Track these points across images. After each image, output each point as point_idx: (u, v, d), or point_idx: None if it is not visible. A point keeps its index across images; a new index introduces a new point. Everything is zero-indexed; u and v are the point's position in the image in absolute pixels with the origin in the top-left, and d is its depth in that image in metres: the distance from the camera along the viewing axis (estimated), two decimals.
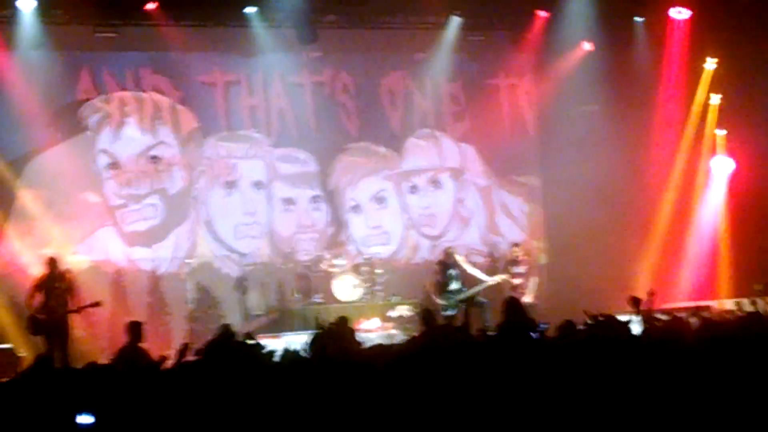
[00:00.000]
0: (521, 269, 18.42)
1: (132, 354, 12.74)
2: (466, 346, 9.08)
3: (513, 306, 12.06)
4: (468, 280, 18.29)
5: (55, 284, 16.13)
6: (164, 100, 20.07)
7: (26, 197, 18.86)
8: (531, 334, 10.48)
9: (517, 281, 18.33)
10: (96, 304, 16.25)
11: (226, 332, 12.31)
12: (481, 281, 18.27)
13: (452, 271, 18.22)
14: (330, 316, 15.04)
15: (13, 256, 18.43)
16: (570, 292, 18.78)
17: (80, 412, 7.40)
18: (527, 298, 17.71)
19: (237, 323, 17.63)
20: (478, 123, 21.36)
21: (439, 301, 17.90)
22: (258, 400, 7.25)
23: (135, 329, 13.37)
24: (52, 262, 16.34)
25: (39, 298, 16.08)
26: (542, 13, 20.72)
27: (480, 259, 20.60)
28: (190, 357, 10.55)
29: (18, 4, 18.33)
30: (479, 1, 20.51)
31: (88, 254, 19.14)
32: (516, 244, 19.21)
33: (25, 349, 16.28)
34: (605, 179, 20.25)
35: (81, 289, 16.40)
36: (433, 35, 20.83)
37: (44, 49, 18.81)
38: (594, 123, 20.56)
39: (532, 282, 18.35)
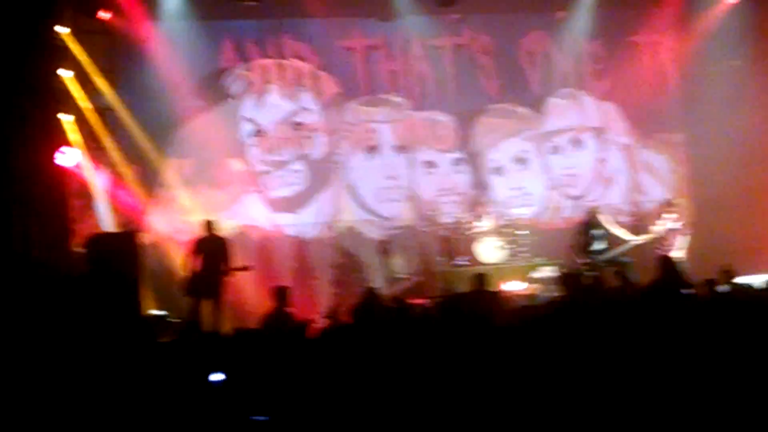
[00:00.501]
0: (670, 226, 18.12)
1: (279, 318, 12.98)
2: (616, 304, 9.01)
3: (667, 264, 11.86)
4: (612, 240, 18.11)
5: (211, 247, 16.52)
6: (305, 67, 20.26)
7: (172, 166, 19.27)
8: (684, 292, 10.35)
9: (665, 238, 18.06)
10: (246, 268, 16.62)
11: (371, 295, 12.42)
12: (625, 241, 18.07)
13: (595, 231, 18.03)
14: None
15: (161, 225, 18.84)
16: (715, 251, 18.39)
17: (213, 371, 7.60)
18: (674, 255, 17.45)
19: (381, 287, 17.77)
20: (620, 81, 21.04)
21: (582, 262, 17.74)
22: (403, 359, 7.30)
23: (281, 294, 13.64)
24: (208, 225, 16.74)
25: (196, 261, 16.49)
26: None
27: (624, 218, 20.40)
28: (337, 321, 10.71)
29: None
30: None
31: (233, 221, 19.48)
32: (666, 201, 18.90)
33: (176, 315, 16.64)
34: (752, 136, 19.76)
35: (233, 253, 16.75)
36: None
37: (188, 19, 19.16)
38: (739, 79, 20.04)
39: (680, 240, 18.06)
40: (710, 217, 19.41)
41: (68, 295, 14.35)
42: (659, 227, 18.00)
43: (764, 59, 19.97)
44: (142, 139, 18.86)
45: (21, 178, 15.08)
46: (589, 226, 18.16)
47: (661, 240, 17.95)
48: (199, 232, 16.84)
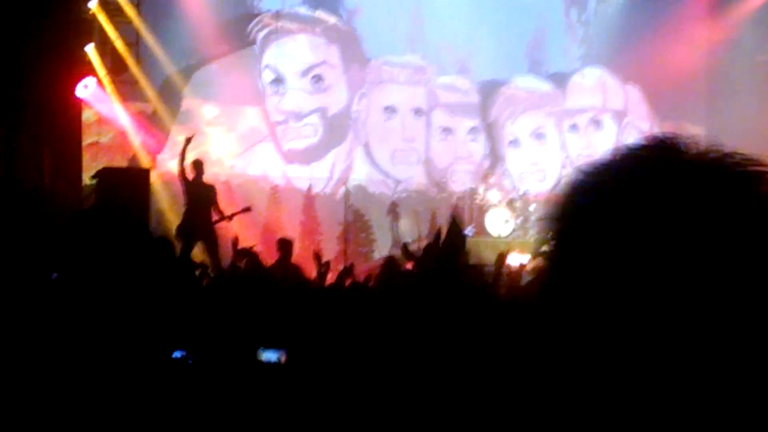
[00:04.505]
0: None
1: (283, 270, 12.95)
2: None
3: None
4: None
5: (199, 191, 16.19)
6: (331, 20, 20.13)
7: (191, 106, 19.21)
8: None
9: None
10: (247, 209, 16.39)
11: (391, 266, 12.06)
12: None
13: None
14: (481, 250, 14.96)
15: (174, 164, 18.77)
16: None
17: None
18: None
19: (387, 248, 17.74)
20: (647, 65, 20.78)
21: None
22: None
23: (285, 246, 13.65)
24: (197, 166, 16.43)
25: (185, 203, 16.23)
26: None
27: None
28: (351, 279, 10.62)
29: None
30: None
31: (245, 168, 19.43)
32: None
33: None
34: None
35: (222, 200, 16.59)
36: None
37: None
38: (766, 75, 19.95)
39: None
40: None
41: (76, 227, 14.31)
42: None
43: None
44: (165, 77, 18.78)
45: (38, 107, 15.03)
46: None
47: None
48: (188, 173, 16.49)
